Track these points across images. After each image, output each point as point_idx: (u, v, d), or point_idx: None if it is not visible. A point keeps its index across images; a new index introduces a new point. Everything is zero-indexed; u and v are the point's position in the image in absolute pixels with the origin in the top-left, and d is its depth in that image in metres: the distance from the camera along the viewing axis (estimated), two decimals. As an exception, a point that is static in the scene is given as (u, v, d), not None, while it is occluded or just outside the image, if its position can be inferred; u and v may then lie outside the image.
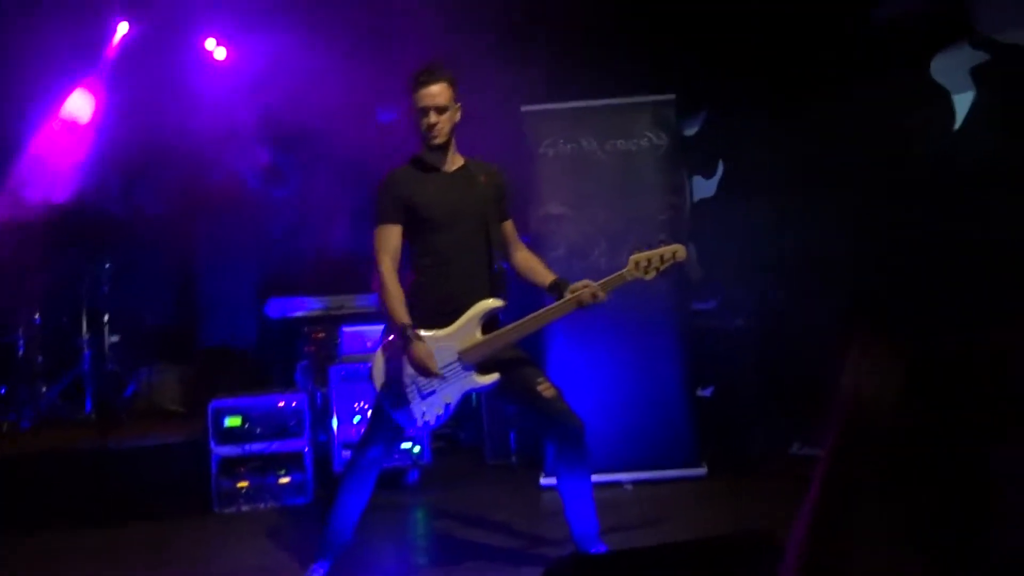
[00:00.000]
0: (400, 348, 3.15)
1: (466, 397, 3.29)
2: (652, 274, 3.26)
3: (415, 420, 3.19)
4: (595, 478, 4.47)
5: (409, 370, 3.14)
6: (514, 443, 5.40)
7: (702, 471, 4.75)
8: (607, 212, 4.93)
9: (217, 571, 3.77)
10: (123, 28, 6.71)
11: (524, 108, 5.07)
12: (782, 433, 5.01)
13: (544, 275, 3.36)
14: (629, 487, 4.67)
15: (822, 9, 4.87)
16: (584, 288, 3.17)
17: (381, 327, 3.52)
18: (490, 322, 3.26)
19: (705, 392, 5.53)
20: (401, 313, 3.16)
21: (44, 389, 6.02)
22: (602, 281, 3.21)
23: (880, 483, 1.17)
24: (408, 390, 3.17)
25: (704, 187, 6.08)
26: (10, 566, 3.93)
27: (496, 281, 3.31)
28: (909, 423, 1.17)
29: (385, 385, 3.21)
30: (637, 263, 3.24)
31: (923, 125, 4.45)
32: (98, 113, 6.77)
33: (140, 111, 6.63)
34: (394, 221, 3.27)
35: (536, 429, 3.93)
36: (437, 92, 3.21)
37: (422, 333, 3.18)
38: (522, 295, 3.62)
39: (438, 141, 3.26)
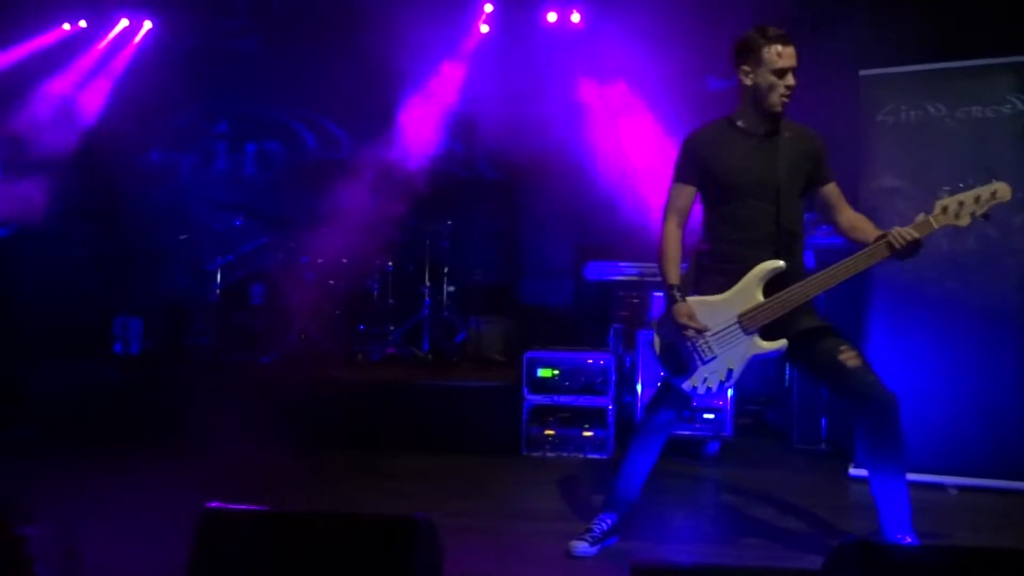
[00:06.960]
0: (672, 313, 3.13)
1: (778, 373, 3.15)
2: (966, 220, 2.92)
3: (696, 387, 3.14)
4: (915, 477, 4.12)
5: (689, 336, 3.10)
6: (825, 429, 5.13)
7: (1050, 487, 4.15)
8: (952, 186, 4.41)
9: (519, 508, 4.08)
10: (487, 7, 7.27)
11: (863, 72, 4.70)
12: None
13: (871, 232, 3.09)
14: (954, 491, 4.22)
15: None
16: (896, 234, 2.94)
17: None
18: (774, 285, 3.09)
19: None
20: (671, 274, 3.15)
21: (392, 328, 6.83)
22: (908, 227, 2.95)
23: None
24: (688, 356, 3.14)
25: (1084, 162, 5.18)
26: (349, 478, 4.59)
27: (785, 250, 3.12)
28: None
29: (664, 351, 3.22)
30: (945, 208, 2.93)
31: None
32: (453, 85, 7.44)
33: (484, 83, 7.18)
34: (689, 182, 3.23)
35: (841, 403, 3.67)
36: (795, 53, 3.07)
37: (703, 298, 3.14)
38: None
39: (782, 108, 3.11)
